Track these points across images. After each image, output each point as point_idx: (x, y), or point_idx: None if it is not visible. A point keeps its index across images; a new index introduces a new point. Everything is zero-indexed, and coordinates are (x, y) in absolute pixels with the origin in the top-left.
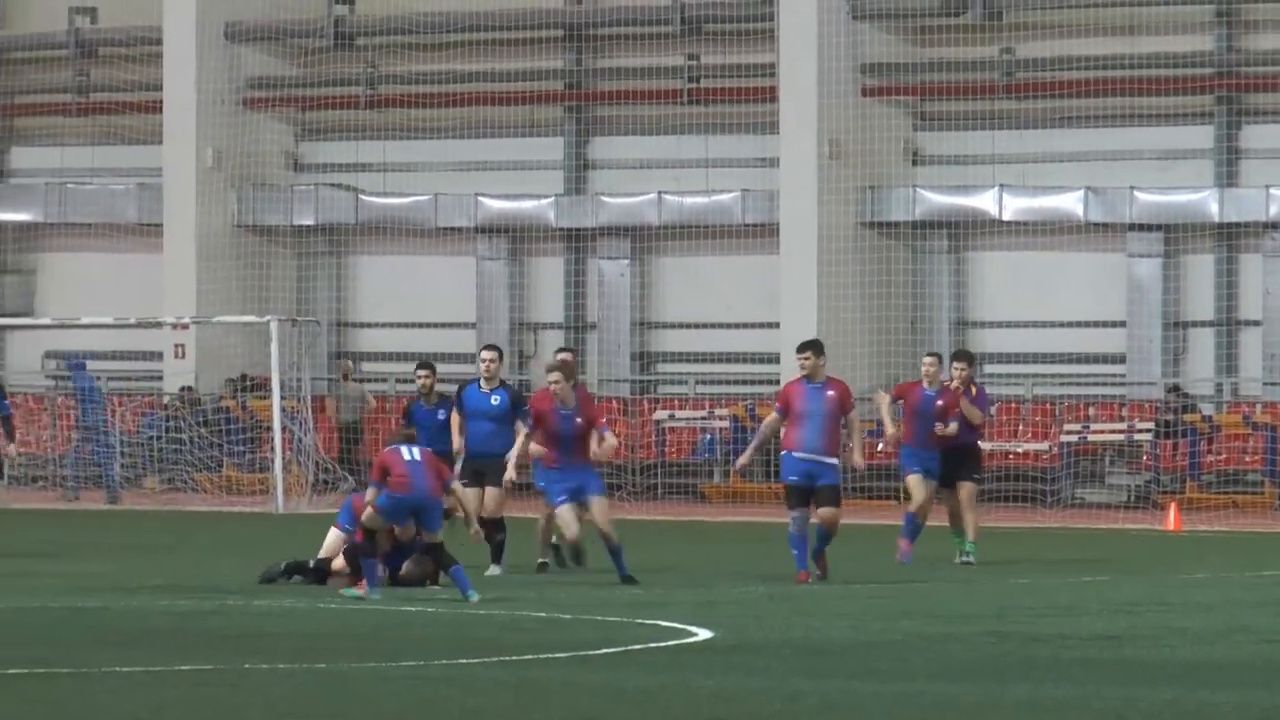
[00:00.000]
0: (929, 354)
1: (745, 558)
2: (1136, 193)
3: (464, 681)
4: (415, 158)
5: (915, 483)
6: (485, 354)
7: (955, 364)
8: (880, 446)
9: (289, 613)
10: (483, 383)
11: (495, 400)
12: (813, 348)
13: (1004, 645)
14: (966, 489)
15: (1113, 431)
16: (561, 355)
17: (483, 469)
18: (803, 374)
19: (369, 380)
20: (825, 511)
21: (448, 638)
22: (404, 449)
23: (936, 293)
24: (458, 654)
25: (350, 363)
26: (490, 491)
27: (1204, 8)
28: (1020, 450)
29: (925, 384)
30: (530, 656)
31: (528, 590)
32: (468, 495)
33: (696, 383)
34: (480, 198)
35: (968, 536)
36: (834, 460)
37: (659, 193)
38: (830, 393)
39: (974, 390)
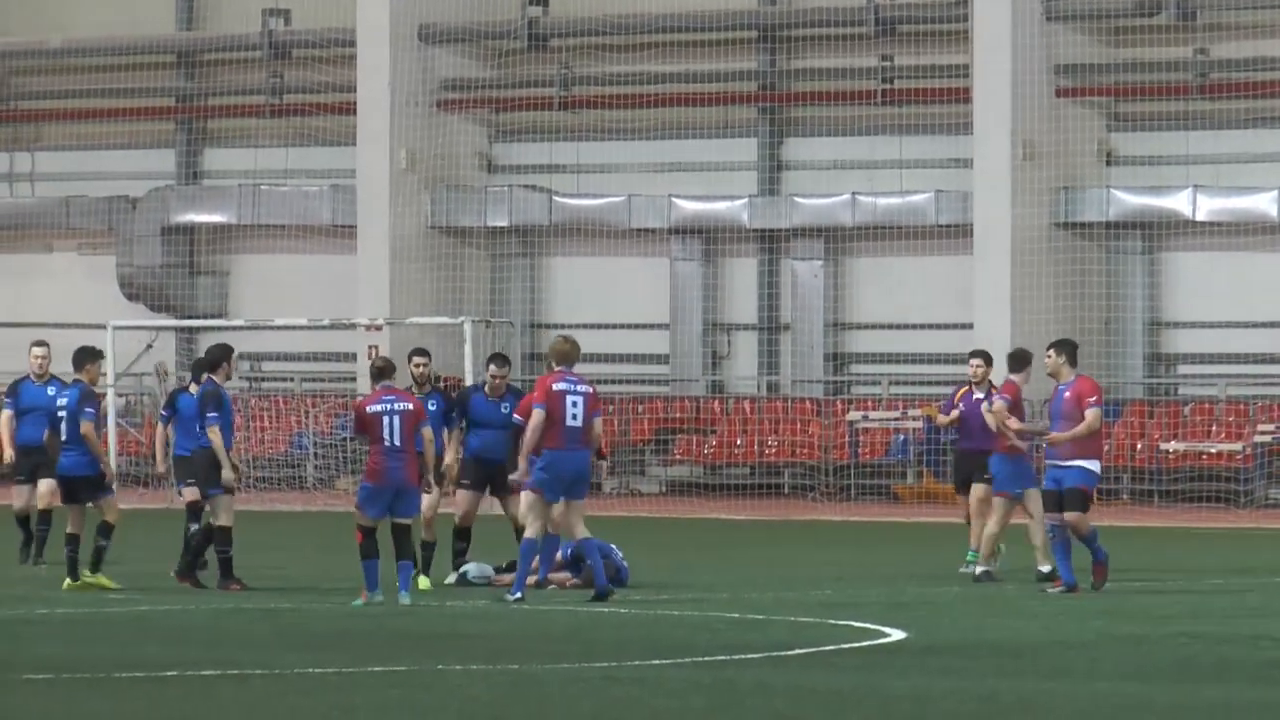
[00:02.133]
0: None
1: (937, 558)
2: None
3: (656, 682)
4: (609, 159)
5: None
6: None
7: (973, 360)
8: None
9: (483, 614)
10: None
11: (504, 409)
12: (1058, 346)
13: (1196, 646)
14: (979, 491)
15: None
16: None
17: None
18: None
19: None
20: (1067, 516)
21: (641, 639)
22: (386, 433)
23: (1130, 294)
24: (650, 655)
25: None
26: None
27: None
28: (1213, 451)
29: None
30: (723, 658)
31: (720, 592)
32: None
33: (890, 384)
34: (674, 199)
35: (970, 544)
36: (1077, 463)
37: (853, 193)
38: (1068, 394)
39: (992, 391)
